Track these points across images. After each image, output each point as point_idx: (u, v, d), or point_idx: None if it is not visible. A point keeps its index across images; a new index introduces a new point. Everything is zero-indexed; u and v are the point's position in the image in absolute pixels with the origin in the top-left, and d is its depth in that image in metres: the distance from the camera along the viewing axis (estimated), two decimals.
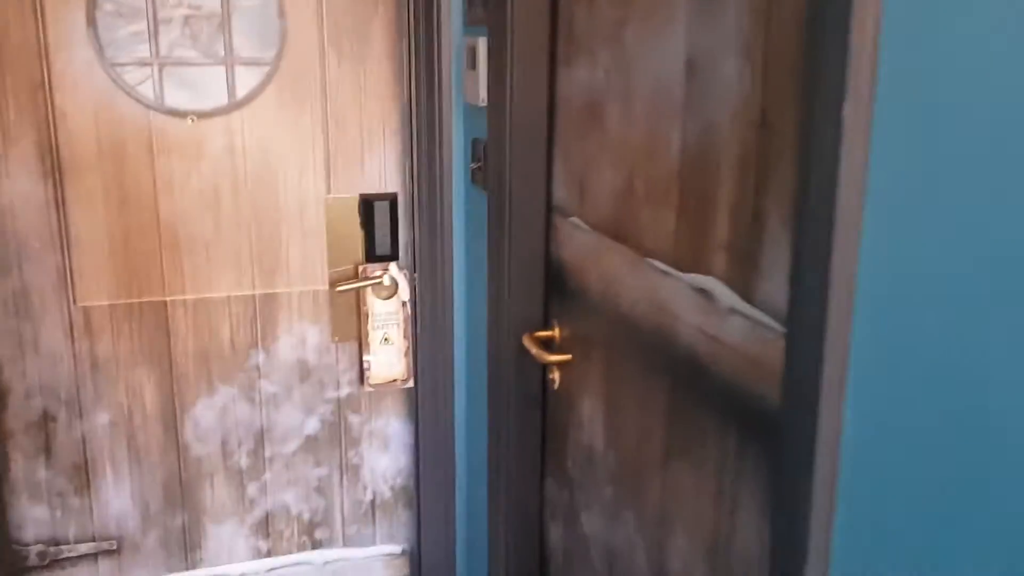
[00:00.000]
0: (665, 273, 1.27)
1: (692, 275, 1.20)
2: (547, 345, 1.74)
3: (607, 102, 1.44)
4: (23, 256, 2.06)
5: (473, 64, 1.88)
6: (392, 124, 2.22)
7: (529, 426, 1.87)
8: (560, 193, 1.69)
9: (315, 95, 2.15)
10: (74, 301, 2.11)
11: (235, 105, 2.11)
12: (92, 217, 2.08)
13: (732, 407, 1.12)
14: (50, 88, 2.00)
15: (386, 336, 2.26)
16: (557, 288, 1.73)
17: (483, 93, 1.85)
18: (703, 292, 1.17)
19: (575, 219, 1.61)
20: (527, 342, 1.74)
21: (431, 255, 2.20)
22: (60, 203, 2.05)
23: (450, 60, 2.03)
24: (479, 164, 1.98)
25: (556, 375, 1.73)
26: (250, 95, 2.11)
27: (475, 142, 2.00)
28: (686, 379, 1.23)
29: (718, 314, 1.13)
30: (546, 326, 1.79)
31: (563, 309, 1.72)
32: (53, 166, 2.03)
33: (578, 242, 1.60)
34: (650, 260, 1.31)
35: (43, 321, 2.10)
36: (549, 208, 1.74)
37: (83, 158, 2.05)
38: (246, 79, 2.10)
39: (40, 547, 2.19)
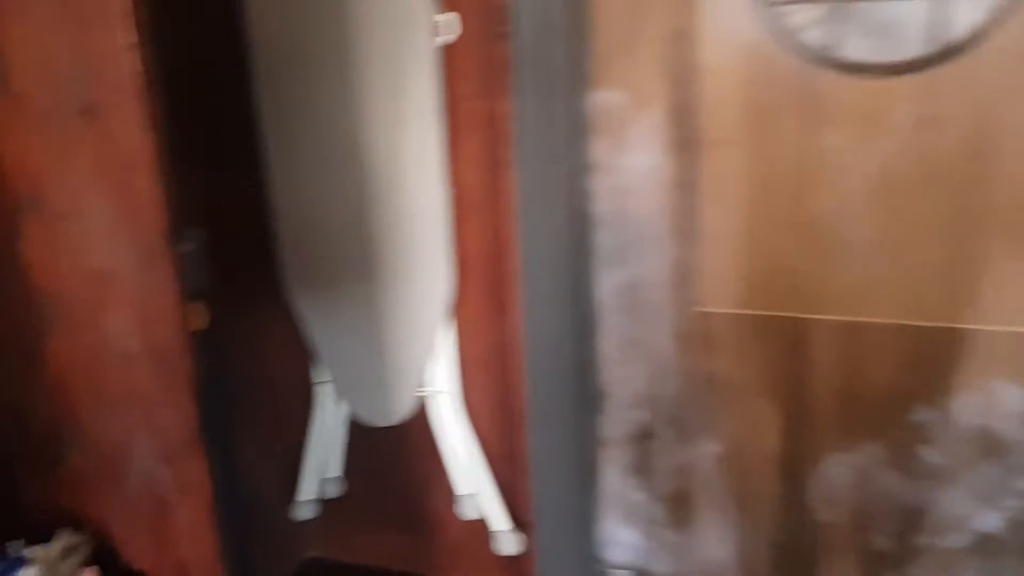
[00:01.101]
0: None
1: None
2: None
3: None
4: (640, 245, 1.68)
5: None
6: None
7: None
8: None
9: None
10: (693, 304, 1.68)
11: (940, 56, 1.41)
12: (725, 203, 1.61)
13: None
14: (693, 38, 1.53)
15: None
16: None
17: None
18: None
19: None
20: None
21: None
22: (690, 183, 1.61)
23: None
24: None
25: None
26: (967, 41, 1.39)
27: None
28: None
29: None
30: None
31: None
32: (686, 137, 1.59)
33: None
34: None
35: (654, 323, 1.72)
36: None
37: (721, 127, 1.57)
38: (963, 16, 1.39)
39: (627, 574, 1.89)
